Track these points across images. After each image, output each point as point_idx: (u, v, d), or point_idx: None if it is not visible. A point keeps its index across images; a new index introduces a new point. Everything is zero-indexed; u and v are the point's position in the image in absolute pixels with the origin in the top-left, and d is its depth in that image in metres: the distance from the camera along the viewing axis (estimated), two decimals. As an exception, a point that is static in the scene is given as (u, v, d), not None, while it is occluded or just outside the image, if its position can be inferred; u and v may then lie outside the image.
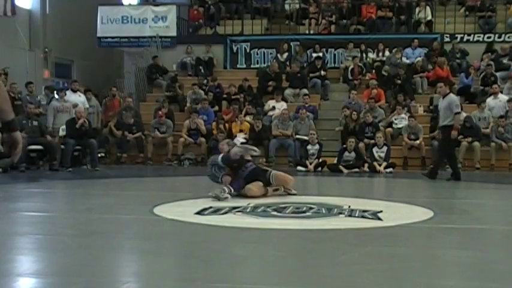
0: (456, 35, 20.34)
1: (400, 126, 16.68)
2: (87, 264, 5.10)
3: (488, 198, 10.73)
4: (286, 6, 22.72)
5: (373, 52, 20.31)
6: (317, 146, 15.61)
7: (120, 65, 23.69)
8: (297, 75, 19.23)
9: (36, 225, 7.21)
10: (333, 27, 21.60)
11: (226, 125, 17.20)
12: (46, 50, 21.49)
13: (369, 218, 7.43)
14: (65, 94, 16.35)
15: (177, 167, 16.23)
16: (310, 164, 15.32)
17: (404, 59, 19.75)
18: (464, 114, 15.45)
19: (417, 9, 21.24)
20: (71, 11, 21.93)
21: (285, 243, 6.08)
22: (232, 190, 9.24)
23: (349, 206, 8.25)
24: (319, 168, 15.36)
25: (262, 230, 6.82)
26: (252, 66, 21.09)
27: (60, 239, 6.25)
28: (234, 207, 8.09)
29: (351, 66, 19.53)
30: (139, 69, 21.06)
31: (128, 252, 5.87)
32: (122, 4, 24.42)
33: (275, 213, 7.83)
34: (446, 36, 20.38)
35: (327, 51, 20.86)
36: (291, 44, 20.86)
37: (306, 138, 16.18)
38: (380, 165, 14.95)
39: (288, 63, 20.39)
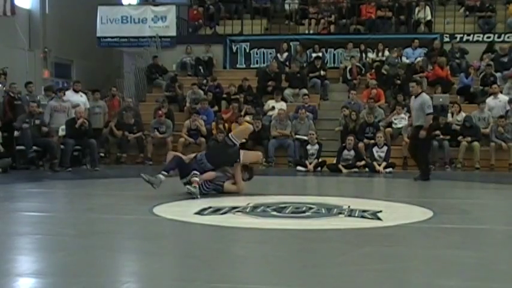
0: (456, 35, 20.37)
1: (399, 126, 16.69)
2: (87, 264, 5.10)
3: (488, 198, 10.73)
4: (286, 6, 22.73)
5: (373, 52, 20.32)
6: (316, 146, 15.61)
7: (120, 65, 23.71)
8: (296, 75, 19.25)
9: (36, 225, 7.21)
10: (332, 27, 21.61)
11: (226, 124, 17.20)
12: (46, 49, 21.52)
13: (369, 218, 7.43)
14: (64, 94, 16.34)
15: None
16: (310, 164, 15.33)
17: (404, 59, 19.76)
18: (464, 114, 15.44)
19: (417, 9, 21.25)
20: (70, 11, 21.94)
21: (284, 243, 6.08)
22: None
23: (349, 206, 8.25)
24: (319, 168, 15.37)
25: (262, 230, 6.82)
26: (251, 66, 21.11)
27: (60, 239, 6.25)
28: (234, 207, 8.09)
29: (350, 66, 19.54)
30: (138, 69, 21.07)
31: (128, 252, 5.87)
32: (122, 4, 24.46)
33: (275, 213, 7.83)
34: (446, 36, 20.41)
35: (326, 51, 20.90)
36: (291, 44, 20.87)
37: (305, 138, 16.18)
38: (380, 165, 14.96)
39: (287, 63, 20.40)
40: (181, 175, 9.60)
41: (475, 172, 15.48)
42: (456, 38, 20.25)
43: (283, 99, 18.46)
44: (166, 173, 9.33)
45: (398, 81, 18.44)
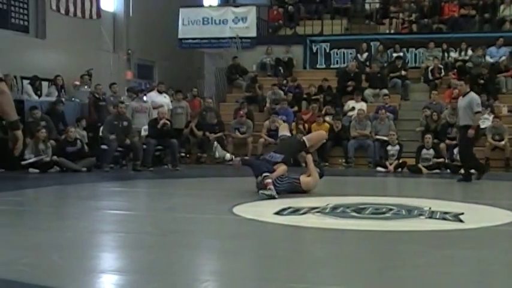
0: (543, 33, 19.77)
1: (482, 126, 16.31)
2: (167, 262, 5.18)
3: None
4: (366, 6, 22.55)
5: (455, 51, 19.93)
6: (397, 147, 15.44)
7: (201, 65, 23.97)
8: (376, 75, 19.07)
9: (119, 224, 7.37)
10: (413, 26, 21.32)
11: (306, 125, 17.18)
12: (129, 51, 21.95)
13: (450, 220, 7.30)
14: (144, 95, 16.62)
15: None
16: (390, 164, 15.16)
17: (488, 58, 19.32)
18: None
19: (502, 7, 20.73)
20: (153, 13, 22.31)
21: (364, 244, 6.04)
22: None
23: (430, 208, 8.12)
24: (399, 169, 15.18)
25: (341, 230, 6.78)
26: (331, 66, 21.00)
27: (142, 237, 6.37)
28: (313, 208, 8.07)
29: (431, 67, 19.21)
30: (219, 70, 21.25)
31: (207, 251, 5.94)
32: (203, 6, 24.73)
33: (354, 214, 7.78)
34: (532, 35, 19.83)
35: (407, 50, 20.59)
36: (371, 43, 20.69)
37: (385, 138, 16.02)
38: (460, 166, 14.64)
39: (367, 63, 20.23)
40: (255, 174, 9.65)
41: None
42: (543, 36, 19.67)
43: (363, 100, 18.31)
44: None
45: (482, 81, 18.03)
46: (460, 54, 19.75)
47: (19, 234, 6.44)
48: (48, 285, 4.42)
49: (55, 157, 14.15)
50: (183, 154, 17.02)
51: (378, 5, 22.26)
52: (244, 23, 21.82)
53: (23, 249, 5.61)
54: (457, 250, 5.75)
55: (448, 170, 14.71)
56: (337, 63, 21.09)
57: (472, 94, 12.41)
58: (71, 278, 4.63)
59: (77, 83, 17.49)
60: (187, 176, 13.84)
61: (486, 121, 16.37)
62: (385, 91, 18.50)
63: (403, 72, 19.35)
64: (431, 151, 14.86)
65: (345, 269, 5.07)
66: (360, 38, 20.96)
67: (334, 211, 7.98)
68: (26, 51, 17.45)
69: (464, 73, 18.57)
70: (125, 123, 14.98)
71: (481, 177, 12.39)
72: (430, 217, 7.54)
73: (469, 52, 19.50)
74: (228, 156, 10.08)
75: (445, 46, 19.89)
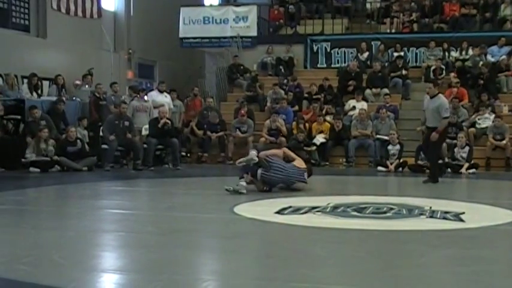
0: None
1: (483, 126, 16.32)
2: (168, 261, 5.19)
3: None
4: (367, 5, 22.53)
5: (456, 51, 19.92)
6: (398, 146, 15.42)
7: (202, 65, 23.98)
8: (377, 75, 19.06)
9: (120, 223, 7.39)
10: (414, 25, 21.31)
11: (307, 124, 17.19)
12: (130, 51, 21.95)
13: (451, 220, 7.31)
14: (146, 94, 16.63)
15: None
16: (391, 164, 15.15)
17: (489, 57, 19.31)
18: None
19: (503, 6, 20.71)
20: (154, 13, 22.32)
21: (364, 244, 6.04)
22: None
23: (430, 207, 8.13)
24: (400, 169, 15.17)
25: (342, 230, 6.79)
26: (332, 65, 20.99)
27: (143, 236, 6.38)
28: (314, 207, 8.08)
29: (434, 67, 19.18)
30: (220, 69, 21.26)
31: (208, 250, 5.95)
32: (204, 5, 24.73)
33: (355, 213, 7.79)
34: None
35: (408, 50, 20.59)
36: (372, 43, 20.68)
37: (386, 138, 16.00)
38: (461, 166, 14.65)
39: (368, 62, 20.23)
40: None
41: None
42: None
43: (364, 99, 18.30)
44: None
45: (482, 81, 18.02)
46: (460, 53, 19.73)
47: (20, 234, 6.45)
48: (49, 285, 4.42)
49: (55, 156, 14.14)
50: (183, 153, 17.02)
51: (378, 5, 22.24)
52: (245, 22, 21.81)
53: (23, 249, 5.61)
54: (457, 249, 5.76)
55: (449, 170, 14.70)
56: (338, 62, 21.08)
57: (442, 98, 12.36)
58: (71, 277, 4.63)
59: (78, 82, 17.49)
60: (188, 175, 13.84)
61: (487, 120, 16.36)
62: (386, 90, 18.49)
63: (403, 72, 19.33)
64: (432, 150, 14.82)
65: (345, 268, 5.07)
66: (360, 37, 20.94)
67: (335, 210, 7.99)
68: (27, 51, 17.46)
69: (464, 73, 18.57)
70: (126, 123, 14.96)
71: (430, 182, 12.20)
72: (431, 216, 7.55)
73: (470, 52, 19.49)
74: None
75: (445, 45, 19.87)
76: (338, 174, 14.87)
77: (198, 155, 17.32)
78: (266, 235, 6.67)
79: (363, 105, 17.78)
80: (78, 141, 14.52)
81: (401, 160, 15.26)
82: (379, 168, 15.27)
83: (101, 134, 15.24)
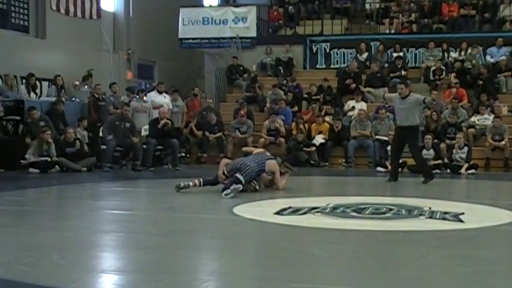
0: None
1: (483, 126, 16.32)
2: (167, 262, 5.19)
3: None
4: (367, 6, 22.54)
5: (455, 51, 19.93)
6: (397, 147, 15.39)
7: (201, 65, 23.98)
8: (376, 75, 19.05)
9: (119, 223, 7.39)
10: (414, 26, 21.32)
11: (306, 125, 17.19)
12: (129, 51, 21.95)
13: (450, 220, 7.31)
14: (145, 95, 16.64)
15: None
16: (390, 164, 15.13)
17: (488, 58, 19.32)
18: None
19: (502, 7, 20.72)
20: (153, 13, 22.32)
21: (364, 245, 6.05)
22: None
23: (430, 208, 8.14)
24: (400, 169, 15.14)
25: (342, 230, 6.79)
26: (331, 66, 20.99)
27: (142, 237, 6.38)
28: (313, 208, 8.08)
29: (433, 67, 19.18)
30: (219, 70, 21.26)
31: (208, 251, 5.95)
32: (203, 5, 24.74)
33: (354, 214, 7.80)
34: (533, 34, 19.82)
35: (407, 50, 20.60)
36: (371, 43, 20.69)
37: (385, 138, 16.00)
38: (460, 166, 14.65)
39: (367, 63, 20.23)
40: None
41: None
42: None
43: (363, 100, 18.30)
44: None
45: (481, 82, 18.03)
46: (460, 54, 19.74)
47: (19, 234, 6.45)
48: (49, 285, 4.43)
49: (55, 157, 14.14)
50: (183, 154, 17.02)
51: (378, 5, 22.25)
52: (244, 23, 21.83)
53: (23, 249, 5.62)
54: (457, 250, 5.76)
55: (448, 170, 14.71)
56: (337, 63, 21.09)
57: (414, 95, 12.63)
58: (71, 278, 4.64)
59: (77, 82, 17.48)
60: (187, 175, 13.76)
61: (486, 121, 16.37)
62: (386, 90, 18.45)
63: (403, 72, 19.33)
64: (431, 151, 14.84)
65: (345, 269, 5.08)
66: (360, 38, 20.96)
67: (334, 211, 7.99)
68: (26, 51, 17.46)
69: (463, 73, 18.56)
70: (127, 124, 14.95)
71: (429, 180, 12.34)
72: (430, 217, 7.55)
73: (469, 52, 19.49)
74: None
75: (445, 46, 19.88)
76: (337, 174, 14.87)
77: (197, 156, 17.32)
78: (265, 236, 6.67)
79: (362, 105, 17.78)
80: (77, 142, 14.50)
81: (400, 160, 15.23)
82: (379, 168, 15.24)
83: (100, 134, 15.23)
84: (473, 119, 16.70)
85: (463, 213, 7.66)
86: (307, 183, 12.86)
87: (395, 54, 20.09)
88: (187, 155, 17.47)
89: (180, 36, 22.16)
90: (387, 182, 12.40)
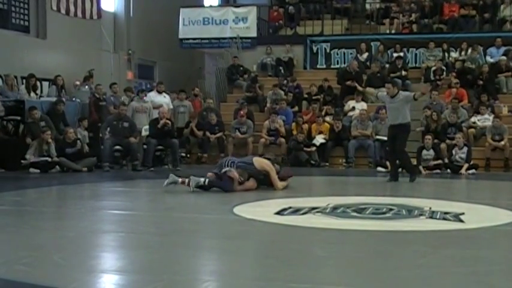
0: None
1: (483, 126, 16.31)
2: (168, 262, 5.20)
3: None
4: (367, 6, 22.54)
5: (456, 51, 19.93)
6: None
7: (201, 66, 23.98)
8: (377, 76, 19.05)
9: (120, 223, 7.38)
10: (414, 26, 21.32)
11: (306, 125, 17.19)
12: (130, 51, 21.95)
13: (451, 220, 7.31)
14: (145, 95, 16.65)
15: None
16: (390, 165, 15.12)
17: (488, 58, 19.32)
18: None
19: (502, 7, 20.72)
20: (153, 13, 22.32)
21: (364, 245, 6.05)
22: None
23: (430, 208, 8.13)
24: (400, 169, 15.14)
25: (342, 230, 6.79)
26: (332, 66, 21.01)
27: (142, 237, 6.38)
28: (314, 208, 8.08)
29: (434, 68, 19.17)
30: (219, 70, 21.26)
31: (208, 251, 5.95)
32: (203, 6, 24.75)
33: (355, 214, 7.79)
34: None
35: (408, 50, 20.60)
36: (371, 43, 20.69)
37: (386, 138, 15.97)
38: (460, 166, 14.64)
39: (368, 63, 20.23)
40: None
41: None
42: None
43: (364, 100, 18.30)
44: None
45: (481, 82, 18.03)
46: (460, 54, 19.74)
47: (20, 234, 6.45)
48: (49, 285, 4.43)
49: (55, 157, 14.15)
50: (183, 154, 17.02)
51: (378, 5, 22.25)
52: (244, 23, 21.83)
53: (23, 249, 5.62)
54: (457, 250, 5.76)
55: (448, 170, 14.71)
56: (337, 63, 21.10)
57: (403, 92, 12.88)
58: (71, 278, 4.63)
59: (77, 83, 17.48)
60: (188, 175, 13.80)
61: (486, 121, 16.36)
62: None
63: (403, 72, 19.33)
64: (432, 152, 14.84)
65: (345, 269, 5.08)
66: (360, 38, 20.97)
67: (334, 211, 7.99)
68: (27, 52, 17.46)
69: (463, 73, 18.55)
70: (126, 124, 14.95)
71: (415, 177, 12.48)
72: (431, 217, 7.55)
73: (469, 52, 19.49)
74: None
75: (445, 46, 19.88)
76: (338, 174, 14.87)
77: (197, 156, 17.32)
78: (266, 236, 6.67)
79: (363, 105, 17.78)
80: (77, 142, 14.50)
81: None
82: (379, 168, 15.23)
83: (100, 134, 15.25)
84: (473, 119, 16.70)
85: (463, 213, 7.66)
86: (307, 183, 12.87)
87: (395, 55, 20.07)
88: (188, 155, 17.47)
89: (181, 36, 22.16)
90: (387, 182, 12.40)
